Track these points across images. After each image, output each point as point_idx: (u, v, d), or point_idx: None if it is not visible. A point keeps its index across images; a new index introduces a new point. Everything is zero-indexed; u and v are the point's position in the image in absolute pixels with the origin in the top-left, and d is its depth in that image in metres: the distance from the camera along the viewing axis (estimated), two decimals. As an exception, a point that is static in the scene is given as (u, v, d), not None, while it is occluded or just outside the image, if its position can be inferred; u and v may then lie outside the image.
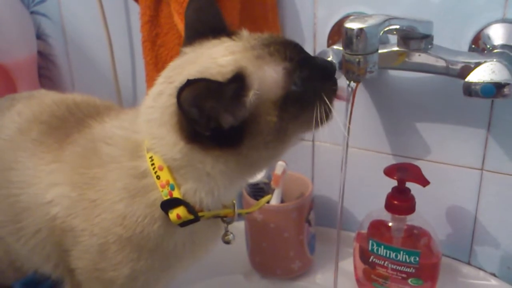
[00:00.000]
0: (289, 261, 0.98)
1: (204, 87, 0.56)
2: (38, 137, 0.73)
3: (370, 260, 0.91)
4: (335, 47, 0.87)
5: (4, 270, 0.90)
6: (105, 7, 1.15)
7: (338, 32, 0.93)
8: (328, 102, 0.63)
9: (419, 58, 0.81)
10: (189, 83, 0.55)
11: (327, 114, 0.64)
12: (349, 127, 0.78)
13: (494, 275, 0.97)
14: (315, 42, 0.98)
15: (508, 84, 0.72)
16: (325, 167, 1.07)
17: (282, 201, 0.98)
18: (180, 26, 0.90)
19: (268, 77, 0.61)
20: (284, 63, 0.62)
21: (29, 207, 0.72)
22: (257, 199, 0.94)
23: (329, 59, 0.82)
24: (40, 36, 1.30)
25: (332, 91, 0.65)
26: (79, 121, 0.73)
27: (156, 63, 1.00)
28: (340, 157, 0.99)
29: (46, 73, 1.34)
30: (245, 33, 0.66)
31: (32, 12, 1.28)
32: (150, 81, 1.02)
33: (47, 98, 0.80)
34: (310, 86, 0.63)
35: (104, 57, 1.22)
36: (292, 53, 0.63)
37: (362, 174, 1.01)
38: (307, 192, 0.96)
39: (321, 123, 0.63)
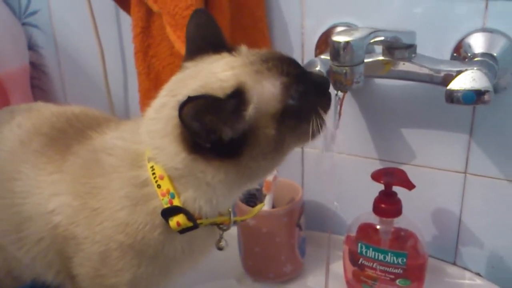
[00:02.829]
0: (281, 265, 1.00)
1: (204, 103, 0.59)
2: (39, 148, 0.75)
3: (359, 262, 0.93)
4: (322, 56, 0.90)
5: (2, 279, 0.91)
6: (96, 18, 1.17)
7: (325, 42, 0.96)
8: (322, 116, 0.67)
9: (403, 66, 0.84)
10: (190, 99, 0.57)
11: (322, 126, 0.67)
12: (335, 135, 0.81)
13: (479, 274, 0.99)
14: (303, 52, 1.01)
15: (487, 91, 0.75)
16: (315, 173, 1.09)
17: (273, 207, 1.00)
18: (173, 37, 0.92)
19: (266, 91, 0.64)
20: (281, 78, 0.65)
21: (31, 217, 0.73)
22: (250, 205, 0.97)
23: (317, 68, 0.85)
24: (31, 47, 1.31)
25: (326, 105, 0.68)
26: (79, 133, 0.75)
27: (149, 73, 1.02)
28: (329, 163, 1.02)
29: (38, 83, 1.35)
30: (244, 48, 0.69)
31: (23, 24, 1.30)
32: (143, 91, 1.05)
33: (46, 110, 0.82)
34: (306, 100, 0.66)
35: (96, 67, 1.23)
36: (289, 69, 0.66)
37: (350, 179, 1.04)
38: (298, 197, 0.99)
39: (316, 135, 0.66)
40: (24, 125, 0.79)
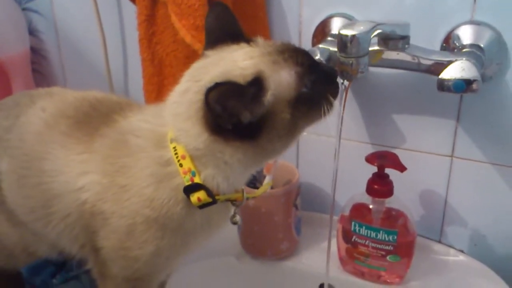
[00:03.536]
0: (278, 243, 1.05)
1: (229, 89, 0.64)
2: (67, 130, 0.79)
3: (353, 239, 0.99)
4: (321, 46, 0.95)
5: (17, 255, 0.95)
6: (98, 3, 1.19)
7: (322, 32, 1.01)
8: (332, 101, 0.72)
9: (397, 56, 0.89)
10: (217, 85, 0.63)
11: (329, 111, 0.72)
12: (342, 120, 0.86)
13: (462, 251, 1.05)
14: (300, 41, 1.05)
15: (476, 80, 0.80)
16: (309, 156, 1.14)
17: (271, 188, 1.05)
18: (178, 25, 0.96)
19: (283, 80, 0.69)
20: (296, 68, 0.70)
21: (59, 194, 0.78)
22: (250, 186, 1.02)
23: (316, 57, 0.90)
24: (32, 32, 1.33)
25: (335, 92, 0.74)
26: (104, 116, 0.79)
27: (153, 59, 1.06)
28: (323, 147, 1.07)
29: (38, 68, 1.37)
30: (260, 40, 0.73)
31: (24, 9, 1.31)
32: (147, 77, 1.09)
33: (68, 95, 0.86)
34: (318, 88, 0.71)
35: (96, 52, 1.26)
36: (303, 59, 0.71)
37: (344, 162, 1.09)
38: (294, 178, 1.04)
39: (324, 118, 0.72)
40: (48, 109, 0.83)
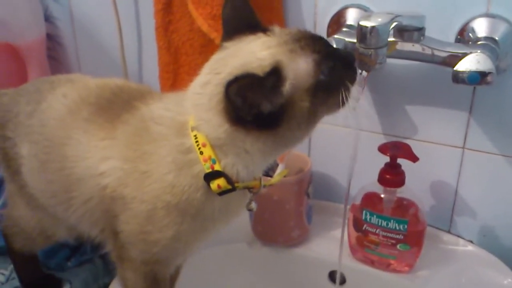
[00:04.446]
0: (289, 230, 1.07)
1: (248, 81, 0.65)
2: (89, 116, 0.81)
3: (363, 228, 1.01)
4: (336, 36, 0.95)
5: (35, 238, 0.97)
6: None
7: (337, 22, 1.02)
8: (350, 88, 0.73)
9: (412, 47, 0.89)
10: (237, 78, 0.64)
11: (348, 98, 0.73)
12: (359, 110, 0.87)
13: (471, 242, 1.06)
14: (315, 31, 1.04)
15: (491, 73, 0.81)
16: (321, 145, 1.15)
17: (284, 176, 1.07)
18: (195, 14, 0.97)
19: (301, 68, 0.70)
20: (313, 55, 0.71)
21: (81, 178, 0.79)
22: (263, 174, 1.03)
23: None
24: (47, 18, 1.34)
25: (352, 78, 0.74)
26: (125, 103, 0.81)
27: (169, 47, 1.08)
28: (335, 136, 1.08)
29: (53, 54, 1.38)
30: (277, 29, 0.74)
31: (40, -4, 1.33)
32: (162, 65, 1.10)
33: (90, 81, 0.87)
34: (335, 75, 0.72)
35: (112, 40, 1.27)
36: (319, 47, 0.72)
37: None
38: (307, 167, 1.05)
39: (343, 105, 0.73)
40: (70, 95, 0.84)
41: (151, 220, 0.75)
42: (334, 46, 0.91)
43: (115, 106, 0.81)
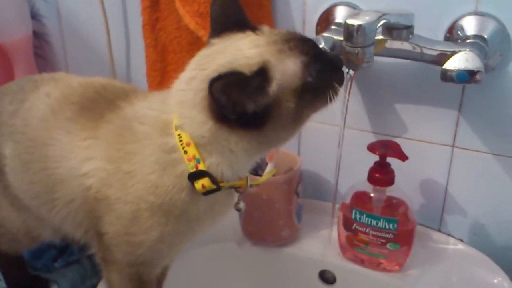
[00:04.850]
0: (279, 229, 1.06)
1: (233, 79, 0.65)
2: (72, 116, 0.79)
3: (353, 227, 1.00)
4: (324, 34, 0.95)
5: (20, 239, 0.96)
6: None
7: (326, 20, 1.01)
8: (337, 90, 0.72)
9: (401, 46, 0.89)
10: (221, 76, 0.63)
11: (334, 99, 0.72)
12: (347, 109, 0.87)
13: (462, 240, 1.06)
14: (304, 29, 1.05)
15: (479, 71, 0.81)
16: (311, 144, 1.15)
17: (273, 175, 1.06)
18: (182, 12, 0.96)
19: (288, 69, 0.69)
20: (302, 57, 0.70)
21: (64, 179, 0.78)
22: (252, 173, 1.02)
23: (321, 46, 0.90)
24: (34, 16, 1.32)
25: (340, 81, 0.74)
26: (109, 102, 0.79)
27: (156, 45, 1.06)
28: (325, 135, 1.08)
29: (41, 52, 1.37)
30: (266, 28, 0.74)
31: (26, -7, 1.31)
32: (150, 62, 1.09)
33: (73, 80, 0.86)
34: (323, 77, 0.71)
35: (99, 38, 1.25)
36: (308, 48, 0.71)
37: (345, 150, 1.09)
38: (296, 166, 1.05)
39: (328, 106, 0.72)
40: (53, 94, 0.83)
41: (135, 221, 0.75)
42: (323, 44, 0.90)
43: (99, 105, 0.80)
